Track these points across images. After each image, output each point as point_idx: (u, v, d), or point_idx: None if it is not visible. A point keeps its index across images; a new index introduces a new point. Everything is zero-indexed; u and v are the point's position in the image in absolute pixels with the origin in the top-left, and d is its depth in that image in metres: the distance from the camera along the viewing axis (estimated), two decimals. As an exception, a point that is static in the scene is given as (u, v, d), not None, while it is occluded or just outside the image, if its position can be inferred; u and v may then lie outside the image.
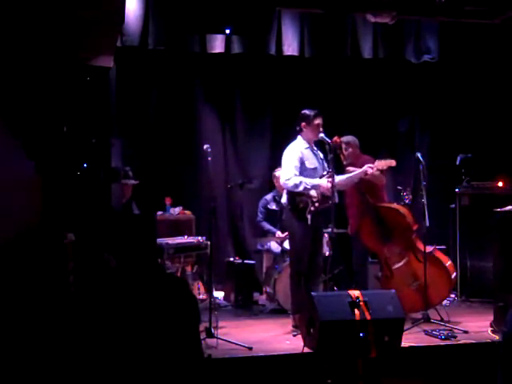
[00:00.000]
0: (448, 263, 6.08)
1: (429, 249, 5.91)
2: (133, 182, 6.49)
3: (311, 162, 5.72)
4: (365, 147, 6.92)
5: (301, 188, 5.57)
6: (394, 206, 6.17)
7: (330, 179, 5.51)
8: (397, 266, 6.00)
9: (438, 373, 4.88)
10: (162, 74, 7.57)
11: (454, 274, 6.15)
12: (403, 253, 5.99)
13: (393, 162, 5.81)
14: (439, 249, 6.36)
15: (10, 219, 2.19)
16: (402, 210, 6.08)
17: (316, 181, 5.60)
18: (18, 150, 2.43)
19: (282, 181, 5.76)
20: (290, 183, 5.60)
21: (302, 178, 5.59)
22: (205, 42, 7.06)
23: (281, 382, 4.70)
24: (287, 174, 5.64)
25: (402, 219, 6.00)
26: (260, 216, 7.30)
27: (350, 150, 6.27)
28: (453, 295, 6.88)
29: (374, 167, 5.75)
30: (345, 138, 6.28)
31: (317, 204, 5.57)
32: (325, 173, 5.68)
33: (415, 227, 6.05)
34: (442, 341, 5.15)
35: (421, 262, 5.85)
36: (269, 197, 7.30)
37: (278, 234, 7.07)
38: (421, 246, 5.91)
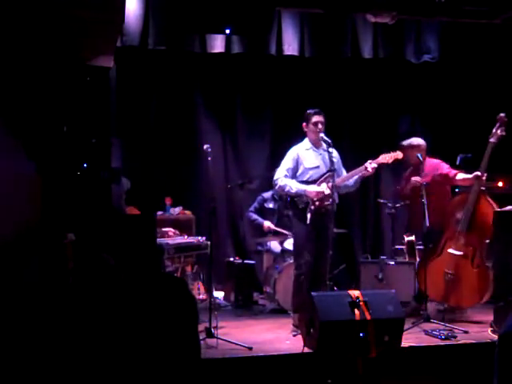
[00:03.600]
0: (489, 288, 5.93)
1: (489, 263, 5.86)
2: None
3: (311, 162, 5.71)
4: (365, 147, 6.92)
5: (286, 190, 5.62)
6: (495, 207, 5.95)
7: (329, 184, 5.52)
8: (449, 250, 5.98)
9: (438, 373, 4.87)
10: (162, 74, 7.57)
11: (487, 295, 5.97)
12: (464, 248, 5.93)
13: (399, 155, 5.80)
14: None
15: (9, 219, 2.19)
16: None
17: (302, 187, 5.60)
18: (18, 150, 2.43)
19: (273, 181, 5.78)
20: (277, 184, 5.66)
21: (288, 181, 5.61)
22: (205, 42, 7.06)
23: (281, 382, 4.70)
24: (277, 174, 5.71)
25: (490, 221, 5.81)
26: (252, 209, 7.29)
27: (416, 153, 6.21)
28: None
29: (375, 162, 5.71)
30: (414, 141, 6.30)
31: (317, 203, 5.57)
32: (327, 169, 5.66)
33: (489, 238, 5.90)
34: (442, 341, 5.14)
35: (473, 267, 5.86)
36: (267, 195, 7.29)
37: (266, 224, 7.07)
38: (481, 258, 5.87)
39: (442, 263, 5.96)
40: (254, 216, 7.22)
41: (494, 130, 5.89)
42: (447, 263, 5.95)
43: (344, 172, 5.85)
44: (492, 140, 5.88)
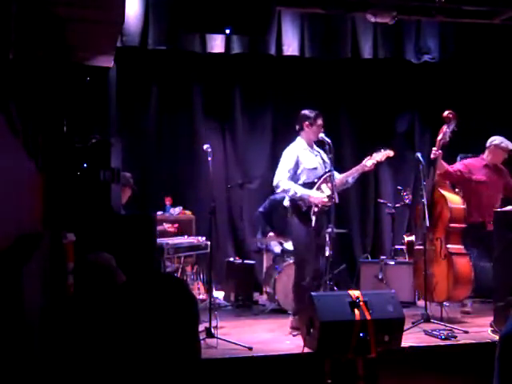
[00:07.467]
0: (467, 276, 5.94)
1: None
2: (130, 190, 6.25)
3: (310, 163, 5.68)
4: (365, 147, 6.91)
5: (290, 194, 5.55)
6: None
7: (329, 184, 5.51)
8: (417, 247, 6.18)
9: (438, 373, 4.88)
10: (162, 74, 7.58)
11: (462, 285, 5.97)
12: (431, 242, 6.00)
13: (391, 153, 5.82)
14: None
15: (9, 219, 2.19)
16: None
17: (306, 191, 5.53)
18: (18, 150, 2.43)
19: (274, 183, 5.68)
20: (280, 187, 5.58)
21: (292, 185, 5.54)
22: (205, 42, 7.06)
23: (281, 382, 4.70)
24: (279, 176, 5.61)
25: (446, 211, 6.00)
26: (261, 209, 7.16)
27: (492, 154, 6.42)
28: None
29: (372, 159, 5.73)
30: (497, 140, 6.44)
31: (320, 205, 5.55)
32: (326, 170, 5.63)
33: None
34: (442, 341, 5.14)
35: (442, 259, 5.93)
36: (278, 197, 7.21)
37: (271, 234, 7.06)
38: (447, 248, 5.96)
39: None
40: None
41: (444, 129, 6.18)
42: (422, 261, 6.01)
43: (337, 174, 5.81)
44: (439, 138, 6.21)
